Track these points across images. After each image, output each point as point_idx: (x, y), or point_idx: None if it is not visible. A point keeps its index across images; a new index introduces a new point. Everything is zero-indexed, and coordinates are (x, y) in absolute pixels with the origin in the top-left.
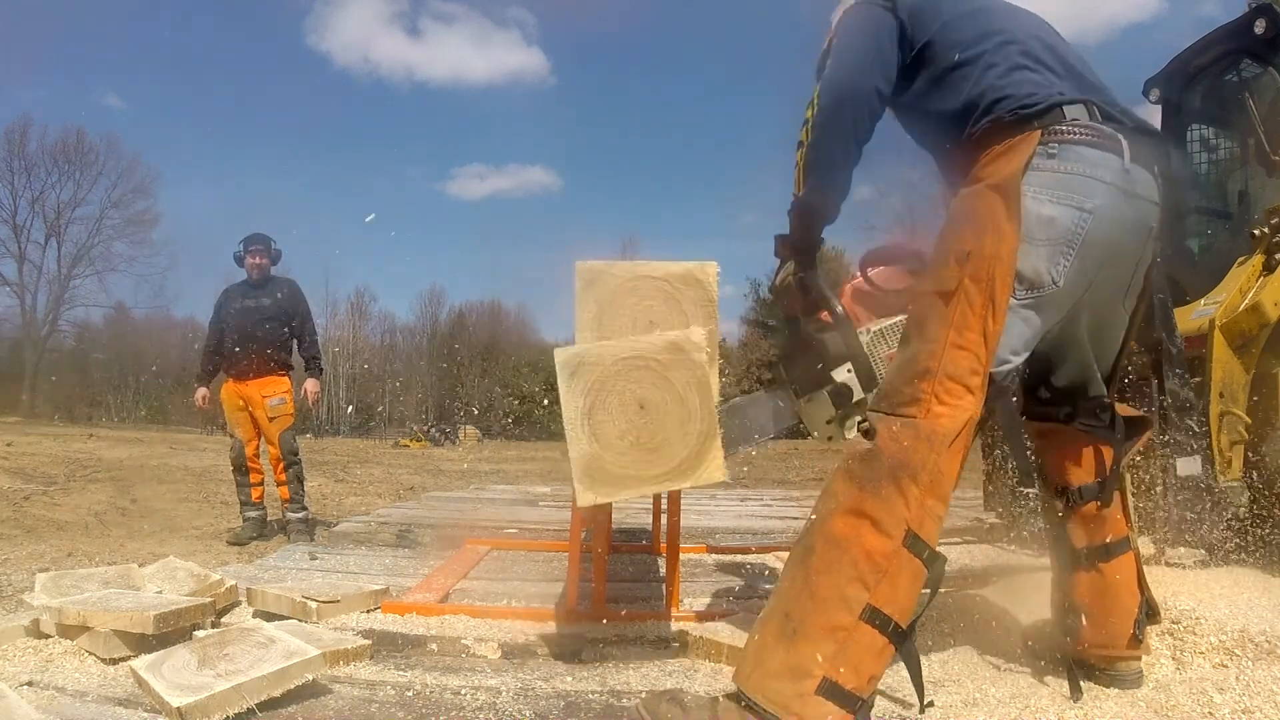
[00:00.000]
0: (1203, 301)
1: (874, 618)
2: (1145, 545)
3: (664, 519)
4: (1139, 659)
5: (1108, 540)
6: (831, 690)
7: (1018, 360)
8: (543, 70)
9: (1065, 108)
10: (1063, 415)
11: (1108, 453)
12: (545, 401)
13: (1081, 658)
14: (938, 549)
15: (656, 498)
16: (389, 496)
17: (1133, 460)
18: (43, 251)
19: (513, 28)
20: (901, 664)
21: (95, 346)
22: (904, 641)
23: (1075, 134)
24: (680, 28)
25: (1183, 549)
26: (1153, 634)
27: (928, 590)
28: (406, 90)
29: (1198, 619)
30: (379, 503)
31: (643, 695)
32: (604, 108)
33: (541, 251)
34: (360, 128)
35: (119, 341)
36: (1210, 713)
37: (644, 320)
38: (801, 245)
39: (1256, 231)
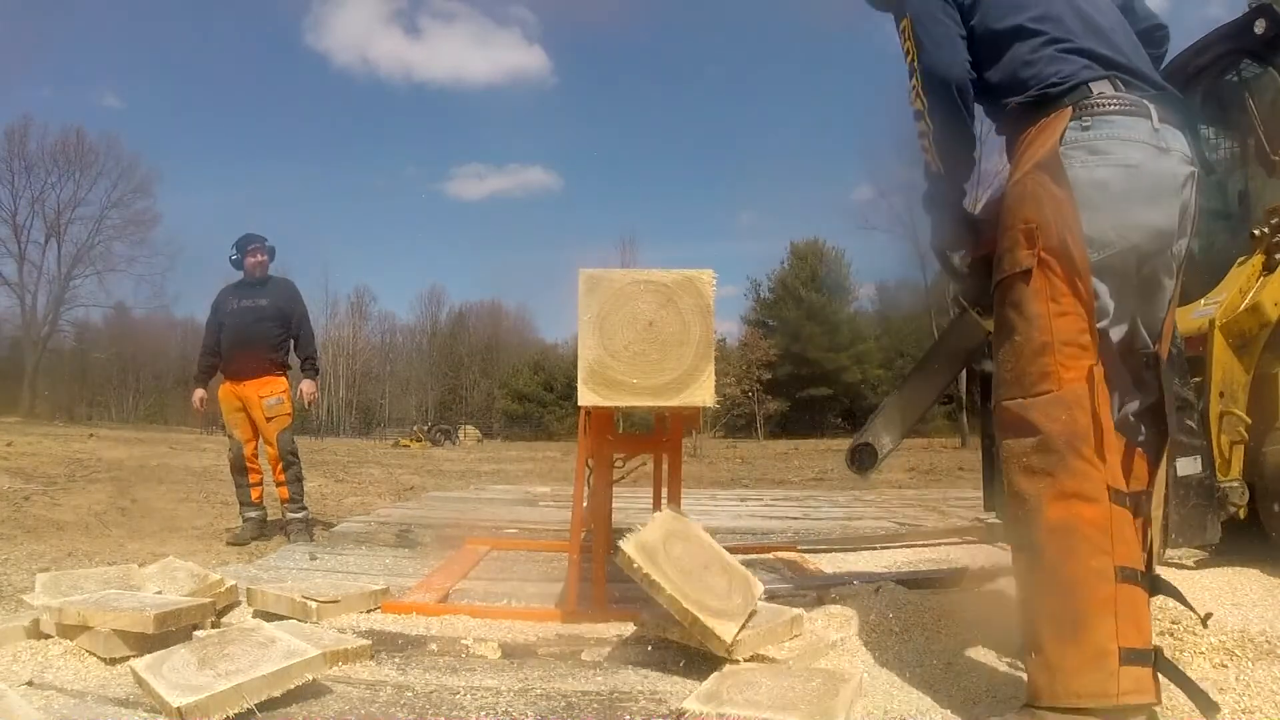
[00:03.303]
0: (1203, 301)
1: (1126, 575)
2: None
3: None
4: None
5: None
6: (1130, 655)
7: (1111, 313)
8: (543, 70)
9: (1091, 84)
10: None
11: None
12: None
13: None
14: (1132, 492)
15: (657, 498)
16: (389, 496)
17: None
18: (43, 251)
19: (513, 26)
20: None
21: (95, 346)
22: (1156, 582)
23: (1104, 105)
24: (681, 28)
25: (1183, 549)
26: (1153, 633)
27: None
28: (406, 90)
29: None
30: (379, 503)
31: None
32: (604, 108)
33: (541, 251)
34: (360, 127)
35: (119, 341)
36: None
37: (643, 321)
38: (951, 235)
39: (1256, 231)
